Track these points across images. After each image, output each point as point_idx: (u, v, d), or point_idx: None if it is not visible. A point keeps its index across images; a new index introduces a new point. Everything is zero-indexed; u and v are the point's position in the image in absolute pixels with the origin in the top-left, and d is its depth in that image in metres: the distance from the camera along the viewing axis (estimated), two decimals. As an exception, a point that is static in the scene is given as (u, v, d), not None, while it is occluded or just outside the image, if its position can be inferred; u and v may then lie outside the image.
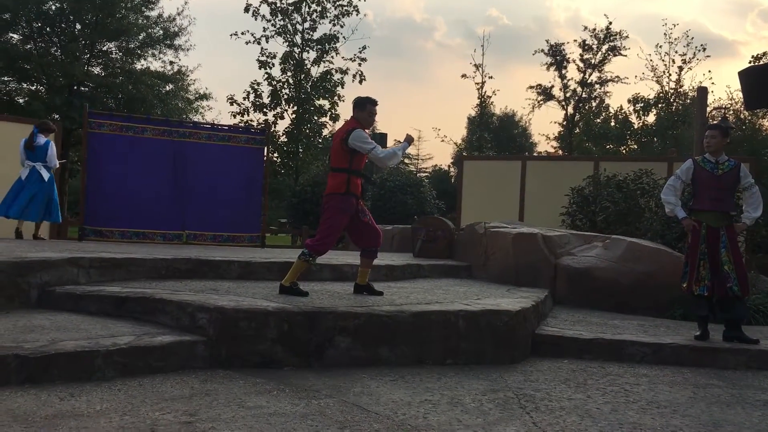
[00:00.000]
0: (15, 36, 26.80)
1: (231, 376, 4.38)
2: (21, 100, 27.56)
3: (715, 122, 6.07)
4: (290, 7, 26.29)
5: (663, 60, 35.37)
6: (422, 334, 5.02)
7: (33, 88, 28.01)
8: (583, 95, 36.43)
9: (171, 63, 29.69)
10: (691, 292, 5.91)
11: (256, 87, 26.36)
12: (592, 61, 35.02)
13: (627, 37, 34.38)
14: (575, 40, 35.65)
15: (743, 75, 8.60)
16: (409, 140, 6.26)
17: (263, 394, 4.00)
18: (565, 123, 37.27)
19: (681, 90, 34.55)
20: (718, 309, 5.91)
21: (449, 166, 52.12)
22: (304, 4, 26.34)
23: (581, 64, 35.26)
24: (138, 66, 29.08)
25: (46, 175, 9.74)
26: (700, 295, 5.85)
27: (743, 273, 5.76)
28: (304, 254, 5.79)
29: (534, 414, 3.86)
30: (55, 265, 5.83)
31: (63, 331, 4.61)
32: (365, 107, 5.88)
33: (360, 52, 26.63)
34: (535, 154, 40.26)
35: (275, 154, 26.46)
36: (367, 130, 5.91)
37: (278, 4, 26.27)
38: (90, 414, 3.48)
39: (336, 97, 26.23)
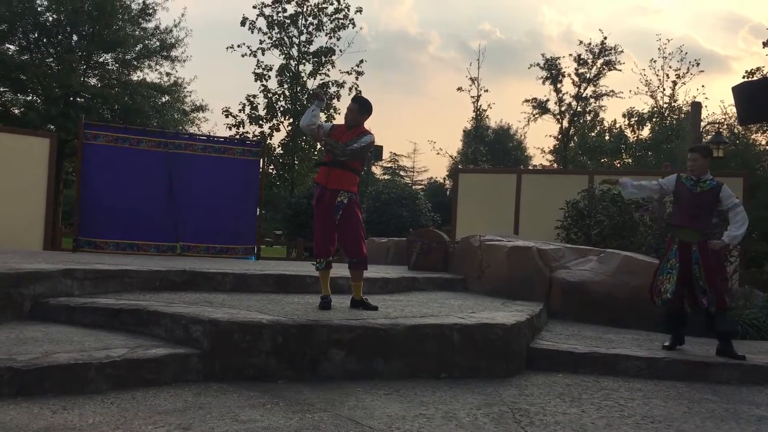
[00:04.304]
0: (11, 47, 26.77)
1: (225, 389, 4.36)
2: (17, 111, 27.52)
3: (695, 145, 6.15)
4: (287, 20, 26.41)
5: (657, 75, 35.63)
6: (417, 347, 5.01)
7: (29, 98, 27.98)
8: (578, 109, 36.59)
9: (167, 74, 29.72)
10: (654, 303, 6.12)
11: (251, 99, 26.43)
12: (587, 75, 35.20)
13: (622, 51, 34.58)
14: (570, 54, 35.79)
15: (737, 90, 8.67)
16: (318, 96, 6.17)
17: (257, 408, 3.98)
18: (560, 137, 37.39)
19: (675, 104, 34.78)
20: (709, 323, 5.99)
21: (444, 178, 52.19)
22: (300, 17, 26.47)
23: (576, 78, 35.45)
24: (134, 77, 29.08)
25: None
26: (668, 307, 6.00)
27: (718, 288, 5.76)
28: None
29: (529, 428, 3.85)
30: (49, 276, 5.80)
31: (56, 343, 4.59)
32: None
33: (358, 66, 26.73)
34: (530, 167, 40.32)
35: (271, 167, 26.47)
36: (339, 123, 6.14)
37: (275, 17, 26.39)
38: (82, 427, 3.46)
39: (332, 110, 26.30)
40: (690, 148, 6.27)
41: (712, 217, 6.00)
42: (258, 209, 10.93)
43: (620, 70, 34.91)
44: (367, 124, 6.07)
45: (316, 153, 26.69)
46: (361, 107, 5.99)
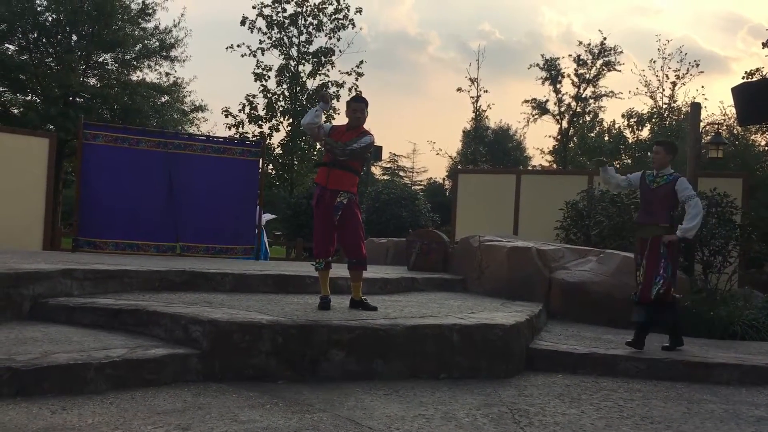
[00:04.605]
0: (11, 47, 26.75)
1: (224, 389, 4.37)
2: (16, 111, 27.51)
3: (662, 139, 6.26)
4: (286, 20, 26.41)
5: (656, 75, 35.65)
6: (416, 347, 5.01)
7: (28, 98, 27.97)
8: (578, 110, 36.61)
9: (167, 74, 29.70)
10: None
11: (251, 99, 26.43)
12: (587, 75, 35.22)
13: (621, 52, 34.60)
14: (570, 55, 35.88)
15: (737, 91, 8.67)
16: (323, 98, 6.19)
17: (256, 408, 3.98)
18: (559, 137, 37.41)
19: (674, 105, 34.77)
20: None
21: (444, 179, 52.20)
22: (300, 18, 26.47)
23: (576, 79, 35.47)
24: (134, 77, 29.07)
25: None
26: (635, 302, 6.04)
27: (647, 281, 5.87)
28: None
29: (528, 429, 3.86)
30: (49, 276, 5.80)
31: (55, 343, 4.59)
32: (347, 106, 6.09)
33: (357, 67, 26.74)
34: (529, 167, 40.33)
35: (270, 167, 26.48)
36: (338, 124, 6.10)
37: (274, 18, 26.39)
38: (82, 428, 3.46)
39: (331, 111, 26.30)
40: (656, 141, 6.42)
41: (668, 212, 5.98)
42: (261, 209, 10.99)
43: (620, 71, 34.96)
44: (367, 124, 6.08)
45: (315, 153, 26.71)
46: (366, 105, 6.01)
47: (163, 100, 29.71)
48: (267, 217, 14.14)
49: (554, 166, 38.21)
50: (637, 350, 5.82)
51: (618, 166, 34.87)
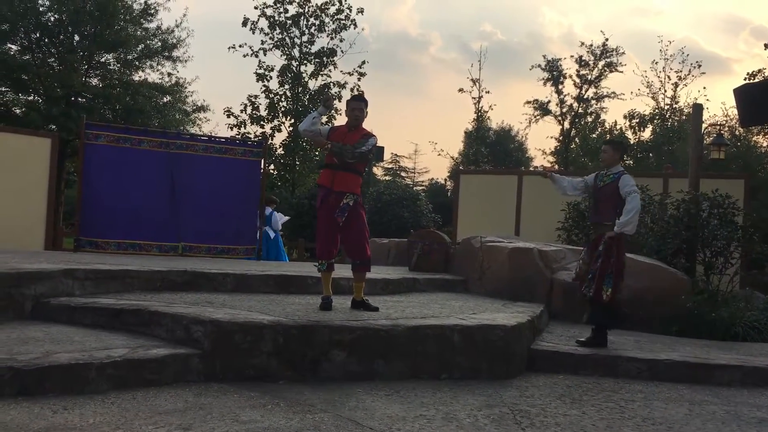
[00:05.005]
0: (13, 47, 26.75)
1: (225, 389, 4.37)
2: (18, 111, 27.53)
3: (611, 138, 6.33)
4: (288, 21, 26.42)
5: (658, 76, 35.61)
6: (417, 348, 5.01)
7: (30, 98, 27.98)
8: (580, 110, 36.59)
9: (169, 75, 29.67)
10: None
11: (253, 100, 26.44)
12: (589, 76, 35.21)
13: (623, 53, 34.56)
14: (571, 56, 35.91)
15: (738, 92, 8.65)
16: (327, 102, 6.16)
17: (257, 408, 3.98)
18: (561, 138, 37.40)
19: (676, 106, 34.75)
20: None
21: (446, 179, 52.17)
22: (302, 18, 26.48)
23: (578, 80, 35.46)
24: (136, 77, 29.06)
25: (272, 234, 12.61)
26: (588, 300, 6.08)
27: (598, 280, 5.95)
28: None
29: (529, 430, 3.86)
30: (50, 276, 5.81)
31: (57, 343, 4.60)
32: (347, 105, 6.10)
33: (360, 67, 26.73)
34: (531, 168, 40.33)
35: (272, 167, 26.49)
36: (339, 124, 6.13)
37: (276, 18, 26.40)
38: (83, 427, 3.46)
39: (333, 111, 26.29)
40: (604, 141, 6.61)
41: (615, 210, 5.98)
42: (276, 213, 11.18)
43: (622, 72, 34.93)
44: (368, 125, 6.08)
45: (317, 153, 26.69)
46: (366, 105, 6.02)
47: (165, 100, 29.70)
48: (282, 219, 13.97)
49: (556, 167, 38.19)
50: (598, 348, 5.80)
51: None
